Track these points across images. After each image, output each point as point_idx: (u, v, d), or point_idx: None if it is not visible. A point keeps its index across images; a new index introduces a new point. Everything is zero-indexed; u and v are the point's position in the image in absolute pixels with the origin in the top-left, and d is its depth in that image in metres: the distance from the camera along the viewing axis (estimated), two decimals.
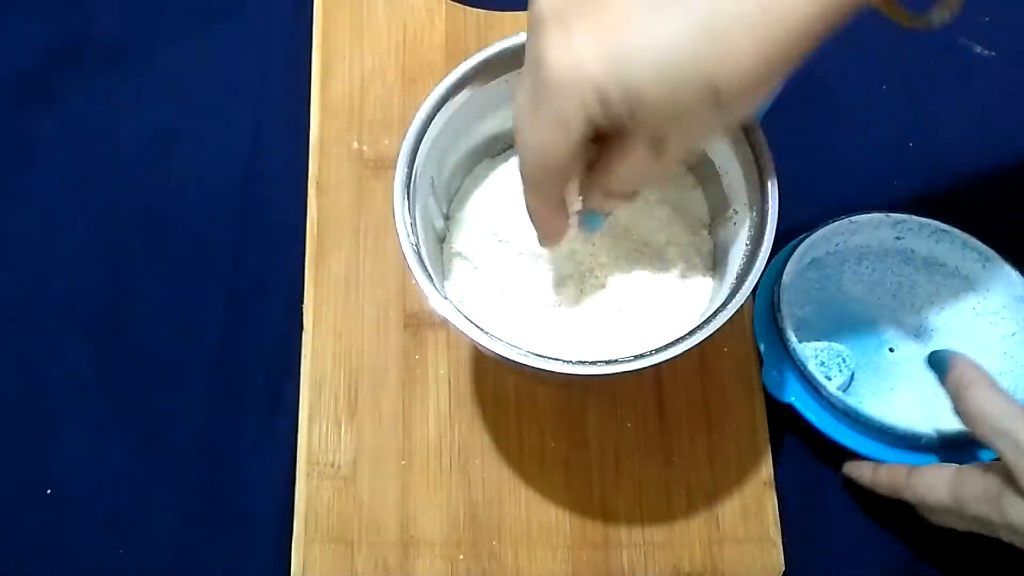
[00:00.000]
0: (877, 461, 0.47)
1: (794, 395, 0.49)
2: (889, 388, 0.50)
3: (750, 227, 0.40)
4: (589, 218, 0.40)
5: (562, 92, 0.31)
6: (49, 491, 0.49)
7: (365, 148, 0.54)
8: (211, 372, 0.51)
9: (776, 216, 0.39)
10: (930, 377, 0.49)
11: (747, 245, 0.40)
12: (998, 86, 0.58)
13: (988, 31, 0.59)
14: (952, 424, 0.45)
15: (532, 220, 0.38)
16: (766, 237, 0.39)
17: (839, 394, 0.47)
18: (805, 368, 0.47)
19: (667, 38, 0.30)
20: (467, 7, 0.57)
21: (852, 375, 0.49)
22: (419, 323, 0.51)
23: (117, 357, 0.51)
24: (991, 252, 0.49)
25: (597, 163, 0.36)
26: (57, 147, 0.56)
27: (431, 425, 0.50)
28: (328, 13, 0.57)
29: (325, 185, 0.53)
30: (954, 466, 0.42)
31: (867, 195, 0.54)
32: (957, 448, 0.46)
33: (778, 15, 0.29)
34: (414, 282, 0.38)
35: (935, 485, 0.42)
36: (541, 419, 0.50)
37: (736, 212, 0.43)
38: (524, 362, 0.36)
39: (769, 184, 0.40)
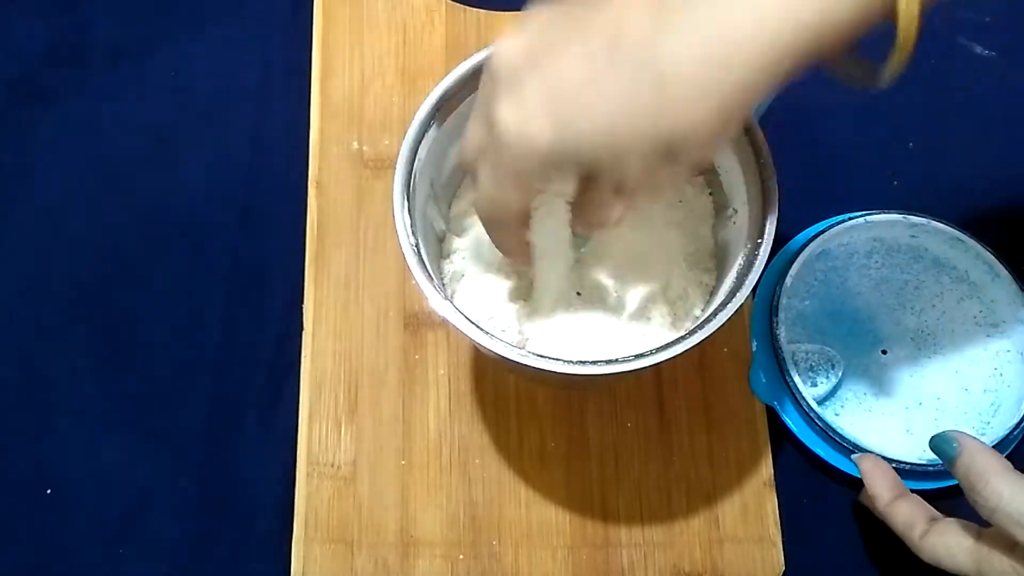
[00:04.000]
0: (896, 495, 0.44)
1: (776, 399, 0.49)
2: (874, 394, 0.50)
3: (750, 226, 0.40)
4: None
5: (514, 153, 0.32)
6: (49, 491, 0.49)
7: (365, 148, 0.54)
8: (211, 372, 0.51)
9: (776, 215, 0.39)
10: (915, 386, 0.49)
11: (747, 245, 0.40)
12: (998, 86, 0.58)
13: (988, 31, 0.59)
14: (926, 446, 0.45)
15: (497, 247, 0.39)
16: (766, 236, 0.39)
17: (816, 407, 0.47)
18: (789, 375, 0.47)
19: (615, 99, 0.30)
20: (467, 7, 0.57)
21: (840, 382, 0.49)
22: (419, 323, 0.51)
23: (117, 357, 0.51)
24: (1002, 268, 0.49)
25: (576, 196, 0.37)
26: (57, 147, 0.56)
27: (431, 425, 0.50)
28: (328, 13, 0.57)
29: (325, 185, 0.53)
30: (975, 531, 0.40)
31: (866, 195, 0.54)
32: (929, 475, 0.47)
33: (725, 71, 0.29)
34: (414, 283, 0.38)
35: (955, 551, 0.40)
36: (541, 419, 0.50)
37: (736, 211, 0.43)
38: (524, 362, 0.36)
39: (768, 183, 0.40)
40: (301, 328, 0.51)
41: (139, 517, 0.49)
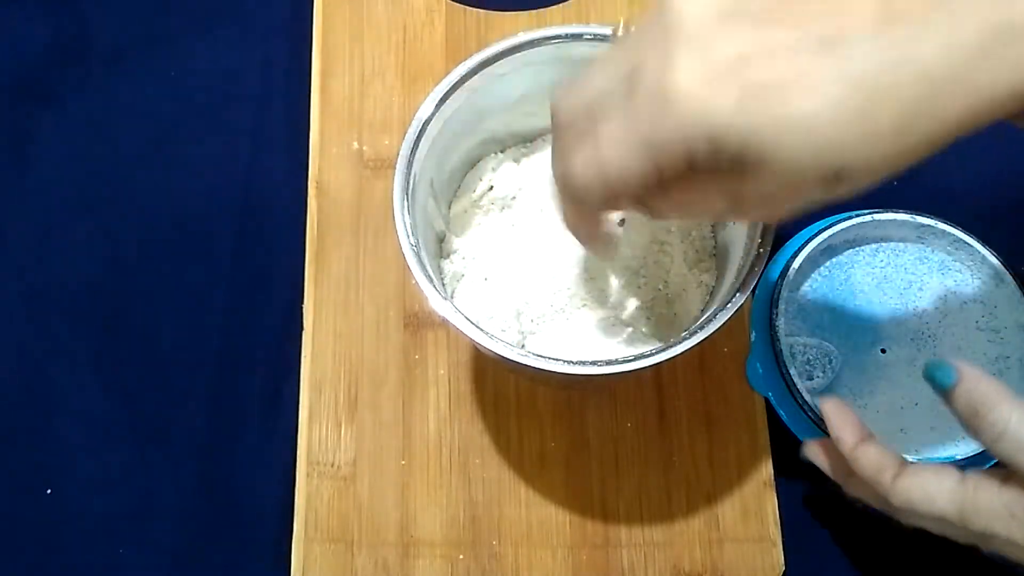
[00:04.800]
0: (863, 437, 0.39)
1: (772, 391, 0.49)
2: (870, 391, 0.50)
3: (750, 226, 0.40)
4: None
5: (674, 122, 0.26)
6: (49, 491, 0.49)
7: (365, 148, 0.54)
8: (211, 372, 0.51)
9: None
10: (912, 386, 0.49)
11: (747, 245, 0.40)
12: None
13: None
14: (921, 446, 0.45)
15: (573, 234, 0.35)
16: (767, 236, 0.39)
17: (811, 400, 0.47)
18: (785, 367, 0.47)
19: (821, 103, 0.25)
20: (467, 7, 0.57)
21: (836, 377, 0.49)
22: (419, 323, 0.51)
23: (117, 357, 0.51)
24: (1007, 274, 0.49)
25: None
26: (57, 147, 0.56)
27: (431, 425, 0.50)
28: (328, 13, 0.57)
29: (325, 185, 0.53)
30: (955, 472, 0.36)
31: (866, 195, 0.54)
32: None
33: (938, 102, 0.26)
34: (414, 283, 0.38)
35: (934, 494, 0.35)
36: (541, 419, 0.50)
37: None
38: (524, 362, 0.36)
39: None
40: (301, 328, 0.51)
41: (139, 517, 0.49)
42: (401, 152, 0.40)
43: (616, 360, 0.37)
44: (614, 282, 0.44)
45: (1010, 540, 0.33)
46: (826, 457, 0.41)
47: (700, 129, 0.26)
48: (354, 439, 0.49)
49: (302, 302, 0.52)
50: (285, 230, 0.53)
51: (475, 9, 0.57)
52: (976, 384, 0.34)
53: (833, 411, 0.40)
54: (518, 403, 0.50)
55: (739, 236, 0.42)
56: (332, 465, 0.49)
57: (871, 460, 0.37)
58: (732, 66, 0.26)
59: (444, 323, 0.38)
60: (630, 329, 0.43)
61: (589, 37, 0.42)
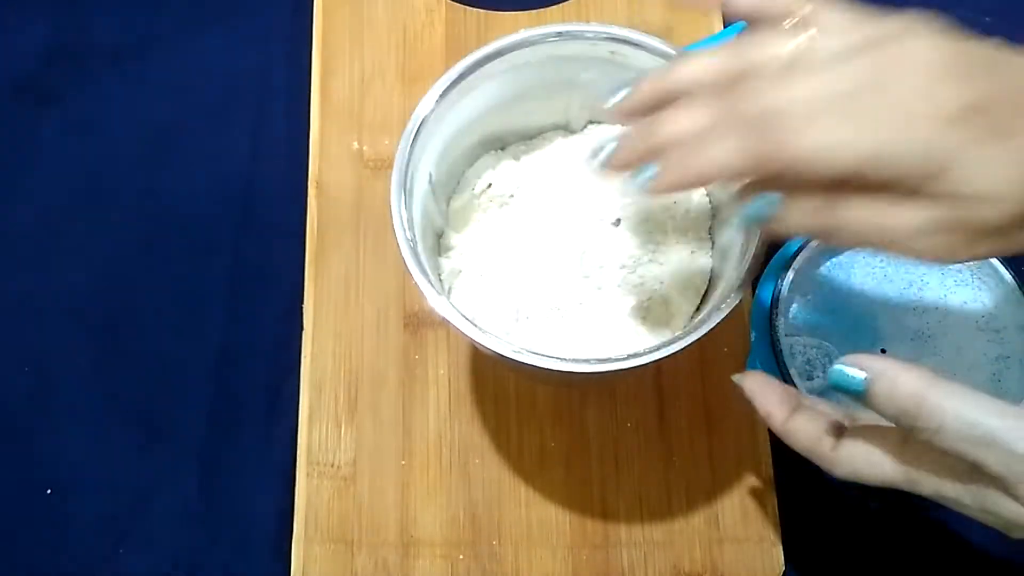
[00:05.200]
0: (791, 409, 0.37)
1: None
2: None
3: (747, 225, 0.40)
4: (756, 208, 0.33)
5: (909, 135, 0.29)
6: (49, 491, 0.49)
7: (365, 148, 0.54)
8: (211, 372, 0.51)
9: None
10: None
11: (745, 242, 0.40)
12: None
13: (988, 31, 0.59)
14: None
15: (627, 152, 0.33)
16: (761, 237, 0.39)
17: (811, 399, 0.47)
18: (785, 367, 0.47)
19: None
20: (467, 7, 0.57)
21: None
22: (419, 323, 0.51)
23: (117, 357, 0.51)
24: (1007, 274, 0.49)
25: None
26: (57, 147, 0.56)
27: (431, 425, 0.50)
28: (328, 13, 0.57)
29: (325, 185, 0.53)
30: (897, 433, 0.33)
31: None
32: None
33: None
34: (413, 281, 0.38)
35: (878, 462, 0.33)
36: (541, 419, 0.50)
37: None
38: (522, 360, 0.36)
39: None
40: (301, 328, 0.51)
41: (139, 517, 0.49)
42: (399, 148, 0.40)
43: (614, 358, 0.37)
44: (611, 280, 0.44)
45: (959, 503, 0.32)
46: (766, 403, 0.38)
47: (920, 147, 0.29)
48: (354, 439, 0.49)
49: (302, 302, 0.52)
50: (285, 230, 0.53)
51: (475, 9, 0.57)
52: (893, 381, 0.32)
53: (756, 388, 0.38)
54: (518, 403, 0.50)
55: (737, 236, 0.42)
56: (332, 465, 0.49)
57: (805, 433, 0.36)
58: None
59: (442, 320, 0.38)
60: (628, 327, 0.43)
61: (588, 35, 0.42)
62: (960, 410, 0.30)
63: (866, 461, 0.34)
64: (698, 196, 0.46)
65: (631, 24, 0.57)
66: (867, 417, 0.34)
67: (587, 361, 0.36)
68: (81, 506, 0.49)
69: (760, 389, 0.38)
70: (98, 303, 0.52)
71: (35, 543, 0.48)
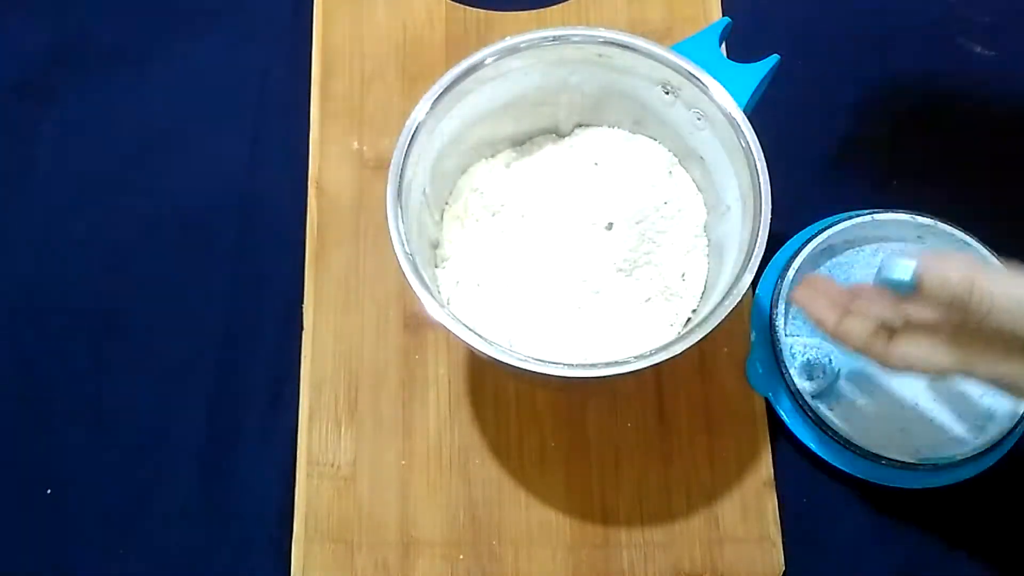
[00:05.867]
0: (842, 313, 0.38)
1: (771, 391, 0.49)
2: (870, 392, 0.49)
3: (744, 222, 0.40)
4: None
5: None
6: (49, 491, 0.49)
7: (365, 148, 0.54)
8: (211, 372, 0.51)
9: (770, 210, 0.39)
10: (912, 386, 0.49)
11: (742, 241, 0.40)
12: (998, 86, 0.58)
13: (988, 31, 0.59)
14: (921, 445, 0.45)
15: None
16: (761, 233, 0.39)
17: (811, 401, 0.47)
18: (785, 368, 0.47)
19: None
20: (467, 7, 0.57)
21: (836, 378, 0.49)
22: (419, 323, 0.51)
23: (117, 357, 0.51)
24: None
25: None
26: (57, 147, 0.56)
27: (431, 425, 0.50)
28: (328, 13, 0.57)
29: (325, 185, 0.53)
30: (946, 324, 0.35)
31: (866, 194, 0.54)
32: (923, 475, 0.47)
33: None
34: (413, 293, 0.38)
35: (931, 352, 0.35)
36: (541, 419, 0.50)
37: (729, 208, 0.43)
38: (524, 367, 0.36)
39: (761, 176, 0.40)
40: (301, 328, 0.51)
41: (139, 517, 0.49)
42: (393, 159, 0.40)
43: (615, 362, 0.37)
44: (608, 283, 0.44)
45: (1014, 382, 0.34)
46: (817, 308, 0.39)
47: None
48: (354, 439, 0.49)
49: (302, 302, 0.51)
50: (285, 230, 0.53)
51: (475, 9, 0.57)
52: (941, 270, 0.34)
53: (806, 295, 0.40)
54: (518, 404, 0.50)
55: (733, 233, 0.42)
56: (332, 465, 0.49)
57: (857, 333, 0.37)
58: None
59: (446, 333, 0.38)
60: (628, 329, 0.43)
61: (576, 39, 0.42)
62: (1009, 289, 0.32)
63: (921, 352, 0.35)
64: (690, 194, 0.46)
65: (631, 24, 0.58)
66: (916, 316, 0.35)
67: (593, 366, 0.36)
68: (81, 506, 0.49)
69: (810, 297, 0.39)
70: (98, 303, 0.52)
71: (35, 543, 0.48)
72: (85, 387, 0.51)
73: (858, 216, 0.50)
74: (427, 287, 0.38)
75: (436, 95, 0.41)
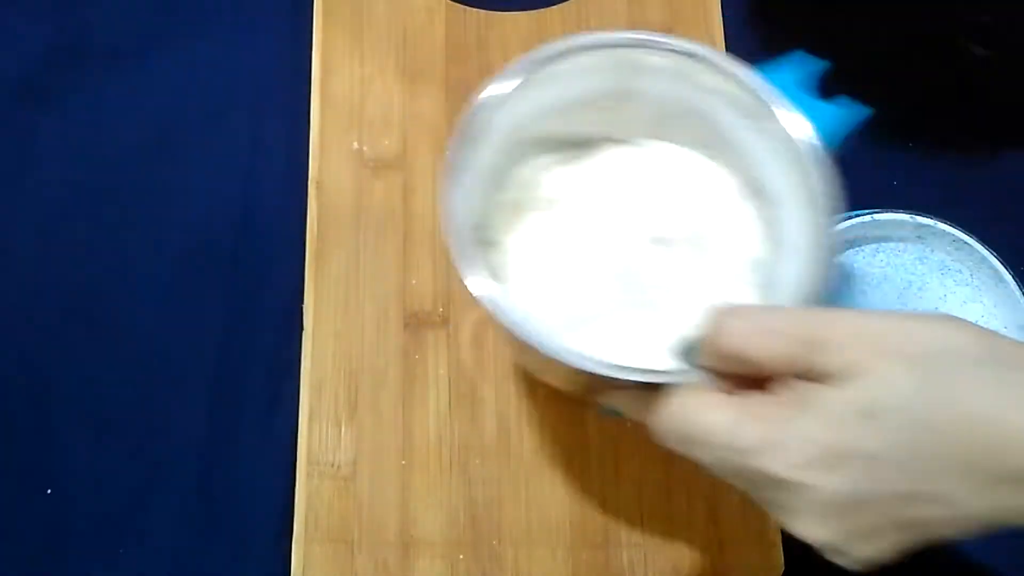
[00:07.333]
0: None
1: None
2: None
3: (800, 263, 0.38)
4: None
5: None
6: (49, 491, 0.49)
7: (365, 148, 0.54)
8: (211, 372, 0.51)
9: (834, 259, 0.37)
10: None
11: (799, 283, 0.37)
12: (998, 86, 0.58)
13: (988, 31, 0.59)
14: None
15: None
16: (819, 279, 0.37)
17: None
18: None
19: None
20: (467, 7, 0.57)
21: None
22: (419, 323, 0.51)
23: (117, 357, 0.51)
24: (1006, 273, 0.49)
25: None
26: (57, 147, 0.56)
27: (431, 425, 0.50)
28: (328, 13, 0.57)
29: (325, 185, 0.53)
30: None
31: (865, 194, 0.54)
32: None
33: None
34: (465, 282, 0.36)
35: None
36: (541, 419, 0.50)
37: (787, 247, 0.41)
38: (594, 370, 0.34)
39: (824, 223, 0.37)
40: (301, 328, 0.51)
41: (139, 517, 0.49)
42: (456, 133, 0.38)
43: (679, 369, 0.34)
44: (661, 286, 0.42)
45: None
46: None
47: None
48: (354, 439, 0.49)
49: (302, 302, 0.51)
50: (285, 230, 0.53)
51: (475, 9, 0.57)
52: (731, 327, 0.32)
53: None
54: (518, 403, 0.50)
55: (789, 275, 0.39)
56: (332, 465, 0.49)
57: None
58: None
59: (503, 327, 0.35)
60: (678, 334, 0.42)
61: (663, 47, 0.41)
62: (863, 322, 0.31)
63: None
64: (748, 226, 0.44)
65: (632, 25, 0.58)
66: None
67: (665, 372, 0.34)
68: (81, 506, 0.49)
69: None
70: (98, 303, 0.52)
71: (35, 543, 0.48)
72: (85, 387, 0.51)
73: (858, 216, 0.50)
74: (478, 269, 0.36)
75: (509, 77, 0.39)
